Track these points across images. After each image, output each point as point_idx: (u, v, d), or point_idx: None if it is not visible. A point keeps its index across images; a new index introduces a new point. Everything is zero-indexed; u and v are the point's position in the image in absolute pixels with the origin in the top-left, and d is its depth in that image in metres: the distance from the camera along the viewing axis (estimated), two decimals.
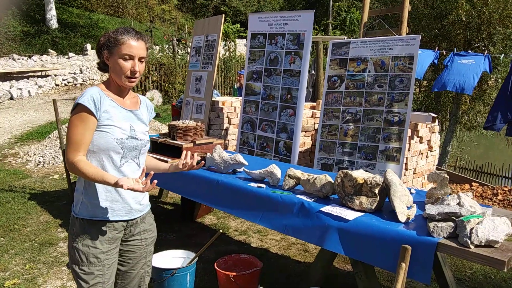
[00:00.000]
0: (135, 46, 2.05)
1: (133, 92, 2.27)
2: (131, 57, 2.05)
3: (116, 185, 1.91)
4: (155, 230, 2.39)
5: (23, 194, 6.02)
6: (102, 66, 2.14)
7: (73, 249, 2.06)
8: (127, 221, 2.17)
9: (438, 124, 7.19)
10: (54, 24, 19.95)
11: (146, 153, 2.29)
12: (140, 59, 2.09)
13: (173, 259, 3.50)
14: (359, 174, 2.77)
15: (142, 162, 2.24)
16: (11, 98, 14.68)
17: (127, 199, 2.14)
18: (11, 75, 16.07)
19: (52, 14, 19.92)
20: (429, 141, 6.57)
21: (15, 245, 4.39)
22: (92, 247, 2.05)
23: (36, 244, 4.41)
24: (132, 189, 1.88)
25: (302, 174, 3.10)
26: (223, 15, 6.76)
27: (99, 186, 2.06)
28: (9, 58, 16.76)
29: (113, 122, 2.05)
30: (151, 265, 2.40)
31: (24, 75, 16.36)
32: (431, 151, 6.72)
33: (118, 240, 2.15)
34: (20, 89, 15.05)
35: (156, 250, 3.67)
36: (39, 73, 16.76)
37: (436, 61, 7.69)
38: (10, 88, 15.09)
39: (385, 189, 2.73)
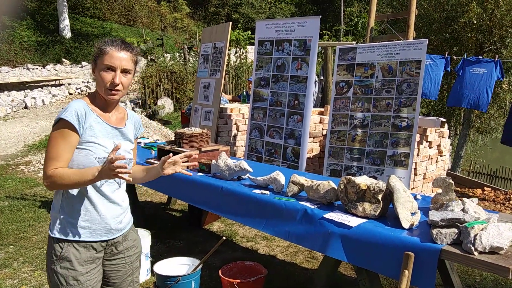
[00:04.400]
0: (117, 56, 1.95)
1: (121, 107, 2.17)
2: (112, 68, 1.95)
3: (103, 176, 1.81)
4: (139, 245, 2.29)
5: (34, 202, 6.09)
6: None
7: (52, 272, 1.97)
8: (106, 241, 2.07)
9: (451, 129, 7.10)
10: (67, 33, 20.25)
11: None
12: (124, 71, 1.98)
13: (178, 266, 3.50)
14: (362, 180, 2.75)
15: (123, 181, 2.11)
16: (25, 107, 14.90)
17: (106, 219, 2.04)
18: (25, 85, 16.34)
19: (65, 24, 20.22)
20: (439, 145, 6.50)
21: (24, 252, 4.44)
22: (70, 269, 1.96)
23: (45, 252, 4.44)
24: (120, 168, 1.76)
25: (306, 180, 3.09)
26: (230, 23, 6.79)
27: (76, 204, 1.97)
28: (24, 68, 17.04)
29: (96, 140, 1.95)
30: (139, 281, 2.32)
31: (38, 84, 16.62)
32: (441, 155, 6.65)
33: (98, 260, 2.06)
34: (34, 98, 15.28)
35: (162, 257, 3.69)
36: (53, 82, 17.01)
37: (448, 68, 7.60)
38: (25, 97, 15.32)
39: (389, 195, 2.70)
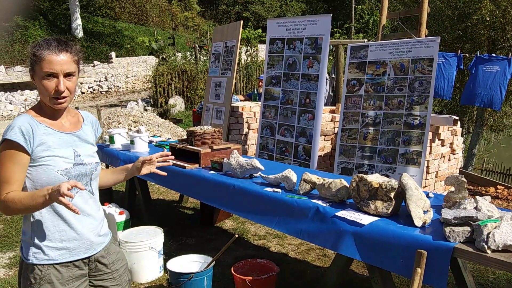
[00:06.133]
0: (57, 61, 1.74)
1: (73, 110, 2.01)
2: (54, 75, 1.75)
3: (53, 200, 1.64)
4: (124, 257, 2.16)
5: None
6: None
7: None
8: (88, 257, 1.94)
9: (464, 127, 7.04)
10: (79, 33, 20.44)
11: (98, 177, 2.04)
12: (67, 75, 1.78)
13: (191, 263, 3.53)
14: (374, 178, 2.75)
15: (95, 187, 2.00)
16: None
17: (84, 234, 1.90)
18: None
19: (77, 23, 20.42)
20: (451, 143, 6.47)
21: None
22: None
23: None
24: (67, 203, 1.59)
25: (318, 178, 3.09)
26: (241, 22, 6.81)
27: (49, 226, 1.82)
28: None
29: (52, 152, 1.78)
30: None
31: None
32: (453, 154, 6.61)
33: (83, 277, 1.93)
34: None
35: (175, 255, 3.72)
36: None
37: (461, 66, 7.54)
38: (37, 96, 15.47)
39: (401, 193, 2.70)
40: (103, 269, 2.01)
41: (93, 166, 1.94)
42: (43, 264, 1.81)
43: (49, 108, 1.84)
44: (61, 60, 1.75)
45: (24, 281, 1.83)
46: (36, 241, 1.81)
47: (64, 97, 1.79)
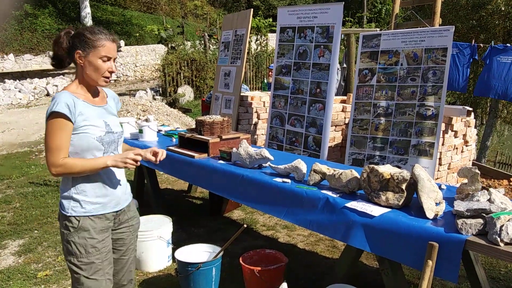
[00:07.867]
0: (113, 48, 2.18)
1: (98, 87, 2.34)
2: (109, 59, 2.17)
3: (114, 165, 2.14)
4: (138, 216, 2.52)
5: (57, 188, 6.19)
6: (63, 63, 2.22)
7: (69, 243, 2.15)
8: (116, 212, 2.30)
9: (477, 118, 6.95)
10: (88, 21, 20.39)
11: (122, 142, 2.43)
12: (114, 60, 2.22)
13: (199, 253, 3.52)
14: (386, 169, 2.70)
15: (120, 151, 2.36)
16: (48, 94, 15.13)
17: (116, 192, 2.28)
18: (47, 72, 16.53)
19: (87, 12, 20.37)
20: (464, 135, 6.37)
21: (48, 237, 4.52)
22: (89, 238, 2.15)
23: None
24: (145, 158, 2.20)
25: (328, 169, 3.05)
26: (251, 10, 6.73)
27: (88, 184, 2.17)
28: (46, 56, 17.24)
29: (89, 122, 2.14)
30: (136, 249, 2.54)
31: (60, 72, 16.80)
32: (466, 145, 6.51)
33: (110, 228, 2.29)
34: (56, 85, 15.49)
35: (183, 244, 3.71)
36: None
37: (476, 57, 7.42)
38: (47, 84, 15.54)
39: (413, 185, 2.65)
40: (124, 224, 2.37)
41: (119, 134, 2.33)
42: (80, 216, 2.14)
43: (85, 86, 2.21)
44: (114, 48, 2.19)
45: (64, 232, 2.16)
46: (75, 196, 2.15)
47: (110, 77, 2.22)
